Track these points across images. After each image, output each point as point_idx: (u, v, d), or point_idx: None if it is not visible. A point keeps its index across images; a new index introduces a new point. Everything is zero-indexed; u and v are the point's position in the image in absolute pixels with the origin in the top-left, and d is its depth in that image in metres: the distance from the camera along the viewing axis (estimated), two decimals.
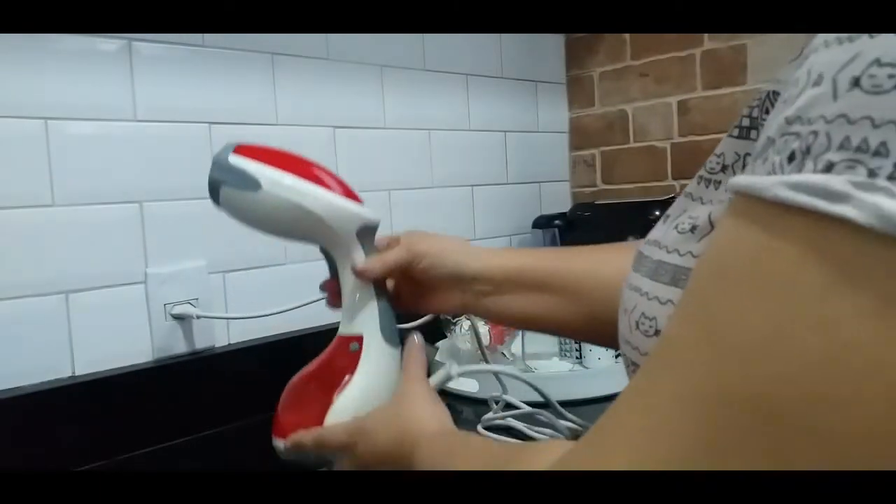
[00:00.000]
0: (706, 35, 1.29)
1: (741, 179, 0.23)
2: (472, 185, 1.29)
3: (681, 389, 0.23)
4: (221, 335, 0.95)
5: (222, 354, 0.93)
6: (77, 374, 0.82)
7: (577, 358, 1.05)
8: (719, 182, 0.35)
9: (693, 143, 1.33)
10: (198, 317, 0.90)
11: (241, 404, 0.91)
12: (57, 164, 0.81)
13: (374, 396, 0.61)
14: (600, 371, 0.98)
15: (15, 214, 0.78)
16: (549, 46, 1.47)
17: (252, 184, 0.56)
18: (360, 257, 0.61)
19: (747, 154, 0.33)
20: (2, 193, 0.77)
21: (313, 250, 0.65)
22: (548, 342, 1.08)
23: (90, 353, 0.83)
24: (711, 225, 0.33)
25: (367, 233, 0.62)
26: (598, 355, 1.01)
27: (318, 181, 0.59)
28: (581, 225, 1.33)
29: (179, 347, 0.90)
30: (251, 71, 0.98)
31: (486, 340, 0.99)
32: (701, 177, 0.37)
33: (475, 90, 1.30)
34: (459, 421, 0.76)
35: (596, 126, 1.47)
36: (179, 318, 0.89)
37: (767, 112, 0.33)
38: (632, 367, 0.37)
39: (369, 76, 1.12)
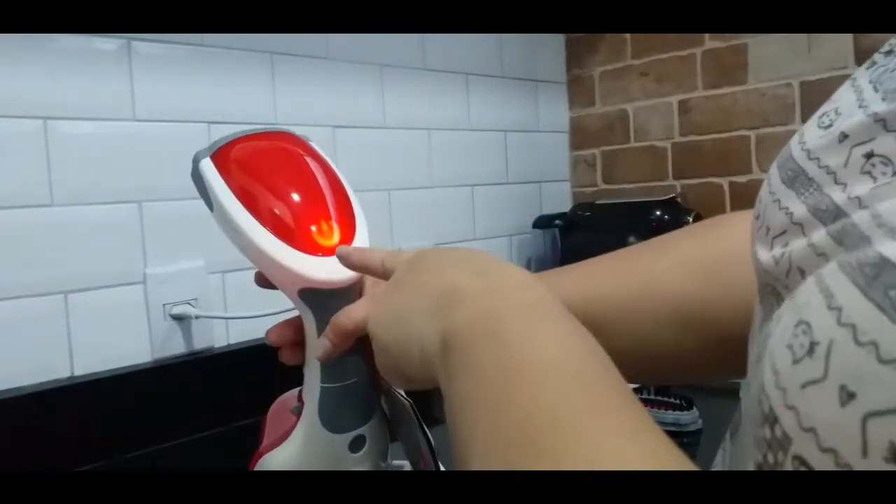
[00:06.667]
0: (707, 35, 1.29)
1: None
2: (473, 185, 1.29)
3: None
4: (220, 335, 0.95)
5: (221, 355, 0.93)
6: (76, 374, 0.82)
7: None
8: None
9: (694, 142, 1.33)
10: (197, 317, 0.90)
11: (240, 405, 0.91)
12: (56, 163, 0.81)
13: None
14: None
15: (13, 214, 0.78)
16: (550, 46, 1.47)
17: (208, 202, 0.47)
18: (309, 322, 0.47)
19: None
20: (0, 193, 0.77)
21: None
22: None
23: (89, 354, 0.83)
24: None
25: (318, 295, 0.46)
26: None
27: (265, 219, 0.45)
28: (581, 225, 1.33)
29: (178, 348, 0.90)
30: (251, 71, 0.98)
31: None
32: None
33: (475, 90, 1.29)
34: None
35: (596, 126, 1.47)
36: (178, 318, 0.89)
37: None
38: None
39: (369, 76, 1.12)
